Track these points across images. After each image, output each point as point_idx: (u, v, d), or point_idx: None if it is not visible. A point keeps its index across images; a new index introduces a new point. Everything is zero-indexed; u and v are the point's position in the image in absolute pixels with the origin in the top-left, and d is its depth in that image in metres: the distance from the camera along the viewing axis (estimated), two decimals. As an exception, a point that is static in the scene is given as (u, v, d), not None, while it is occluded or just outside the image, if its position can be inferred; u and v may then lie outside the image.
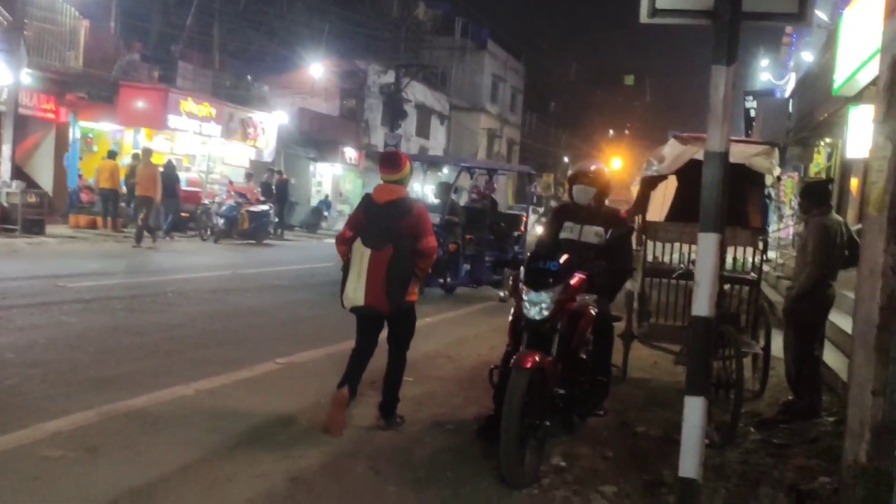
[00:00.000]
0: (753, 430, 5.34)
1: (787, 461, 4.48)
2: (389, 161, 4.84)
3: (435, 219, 10.46)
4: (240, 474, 3.84)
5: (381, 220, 4.64)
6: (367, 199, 4.84)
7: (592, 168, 5.07)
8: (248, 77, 28.26)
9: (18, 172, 17.30)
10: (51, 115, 19.33)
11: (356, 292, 4.58)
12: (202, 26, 26.29)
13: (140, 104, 20.44)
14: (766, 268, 14.54)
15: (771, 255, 16.09)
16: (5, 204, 15.44)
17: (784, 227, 19.03)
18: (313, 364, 6.48)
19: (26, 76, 17.52)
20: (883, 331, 2.80)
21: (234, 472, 3.87)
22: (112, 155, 17.83)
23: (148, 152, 16.90)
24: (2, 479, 3.54)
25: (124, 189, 17.47)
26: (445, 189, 11.71)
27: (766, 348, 6.26)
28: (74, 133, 19.94)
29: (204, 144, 22.72)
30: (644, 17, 3.16)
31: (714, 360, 5.24)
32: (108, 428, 4.36)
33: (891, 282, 2.76)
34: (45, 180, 19.12)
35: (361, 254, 4.58)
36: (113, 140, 20.83)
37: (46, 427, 4.23)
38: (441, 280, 9.89)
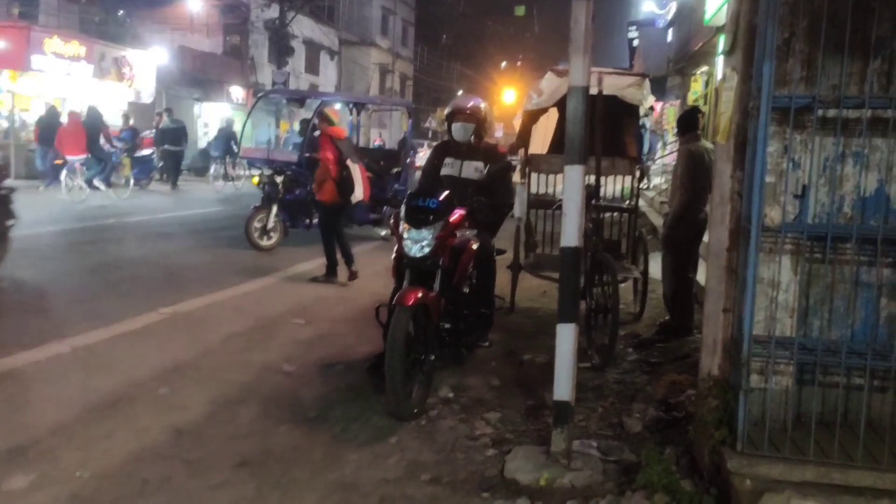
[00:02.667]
0: (632, 351, 5.64)
1: (660, 377, 4.76)
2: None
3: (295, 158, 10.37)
4: (119, 430, 3.75)
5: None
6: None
7: (470, 104, 5.09)
8: (120, 12, 26.49)
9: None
10: None
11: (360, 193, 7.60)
12: (65, -44, 24.32)
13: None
14: (651, 194, 15.21)
15: (656, 181, 16.77)
16: None
17: (668, 153, 19.80)
18: (198, 312, 6.33)
19: None
20: (732, 252, 2.97)
21: (113, 428, 3.77)
22: None
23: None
24: None
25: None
26: (305, 126, 11.56)
27: (645, 272, 6.55)
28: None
29: (75, 86, 21.29)
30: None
31: (594, 287, 5.47)
32: (-27, 393, 4.15)
33: (737, 206, 2.92)
34: None
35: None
36: (-28, 84, 19.23)
37: None
38: (307, 220, 9.81)
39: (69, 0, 24.15)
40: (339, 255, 7.89)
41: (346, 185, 7.75)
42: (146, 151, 18.78)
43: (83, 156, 15.11)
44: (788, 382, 2.95)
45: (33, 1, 22.30)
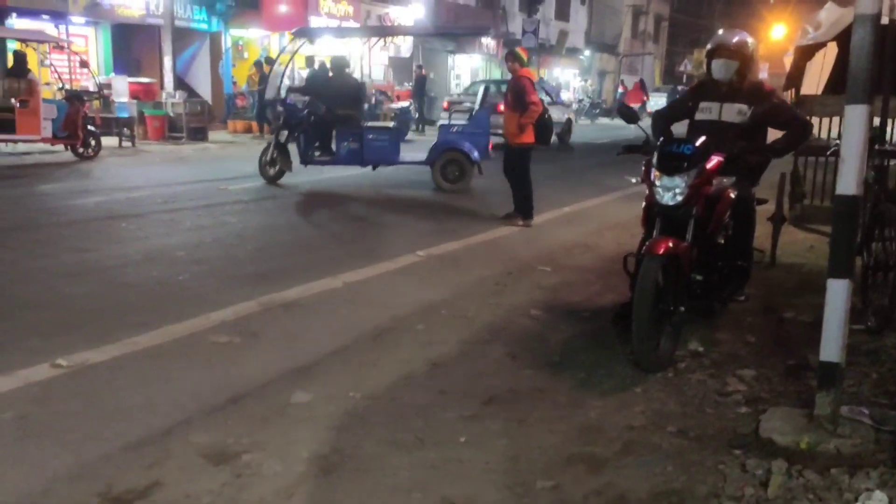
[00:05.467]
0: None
1: (951, 346, 4.19)
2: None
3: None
4: (383, 359, 4.11)
5: None
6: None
7: (735, 39, 4.69)
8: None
9: (180, 82, 18.42)
10: (204, 26, 20.26)
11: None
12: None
13: (283, 8, 20.96)
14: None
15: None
16: (171, 114, 16.58)
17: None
18: (452, 255, 6.69)
19: (179, -12, 18.37)
20: None
21: (378, 357, 4.14)
22: (269, 61, 17.55)
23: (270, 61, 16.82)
24: (179, 362, 3.99)
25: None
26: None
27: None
28: (226, 41, 20.84)
29: (343, 45, 23.03)
30: None
31: (873, 242, 4.91)
32: (267, 317, 4.77)
33: None
34: (204, 89, 20.28)
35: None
36: (261, 45, 21.60)
37: (214, 316, 4.68)
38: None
39: (340, -38, 26.00)
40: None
41: (547, 126, 7.82)
42: (404, 104, 19.91)
43: None
44: None
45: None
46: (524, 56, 8.12)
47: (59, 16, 16.05)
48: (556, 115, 23.10)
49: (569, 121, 19.97)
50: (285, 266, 6.13)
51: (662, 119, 4.90)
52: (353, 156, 10.57)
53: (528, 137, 7.83)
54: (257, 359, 4.07)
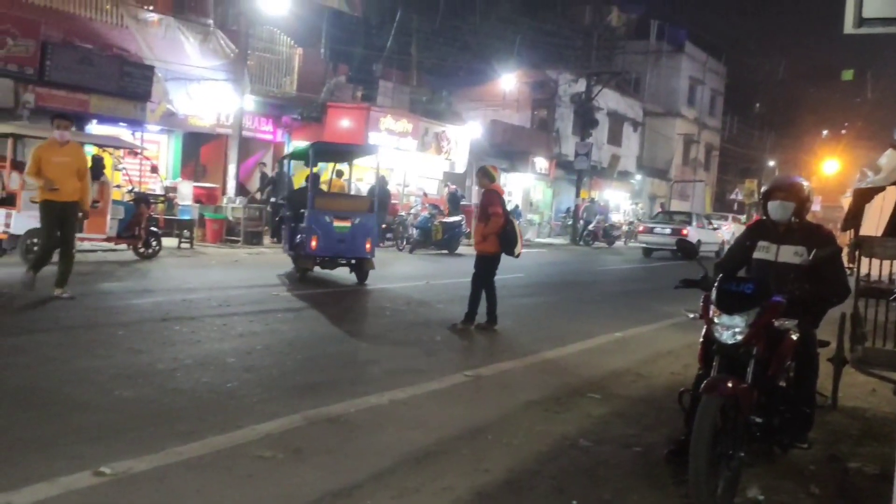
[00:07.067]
0: None
1: None
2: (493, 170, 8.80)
3: None
4: (426, 485, 4.00)
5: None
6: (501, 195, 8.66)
7: (790, 181, 4.75)
8: (444, 92, 29.31)
9: (241, 189, 19.17)
10: (268, 136, 21.28)
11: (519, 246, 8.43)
12: (401, 46, 27.68)
13: (345, 123, 21.95)
14: None
15: None
16: (230, 218, 17.17)
17: None
18: (500, 377, 6.59)
19: (249, 102, 19.41)
20: None
21: (422, 483, 4.03)
22: (339, 174, 17.60)
23: (339, 174, 17.37)
24: (220, 475, 3.94)
25: None
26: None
27: None
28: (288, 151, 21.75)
29: (401, 158, 23.87)
30: (849, 27, 2.90)
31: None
32: (312, 432, 4.72)
33: None
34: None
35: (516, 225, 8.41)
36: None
37: (259, 428, 4.65)
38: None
39: (402, 83, 27.32)
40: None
41: (509, 237, 8.33)
42: (456, 218, 20.30)
43: None
44: None
45: (373, 85, 25.61)
46: (493, 173, 8.78)
47: (136, 123, 17.03)
48: (707, 237, 24.94)
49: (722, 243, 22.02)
50: (333, 379, 6.12)
51: (734, 258, 4.88)
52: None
53: (490, 246, 8.46)
54: (298, 477, 4.00)
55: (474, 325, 8.54)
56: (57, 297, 8.42)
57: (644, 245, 25.41)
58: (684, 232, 23.76)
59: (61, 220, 8.46)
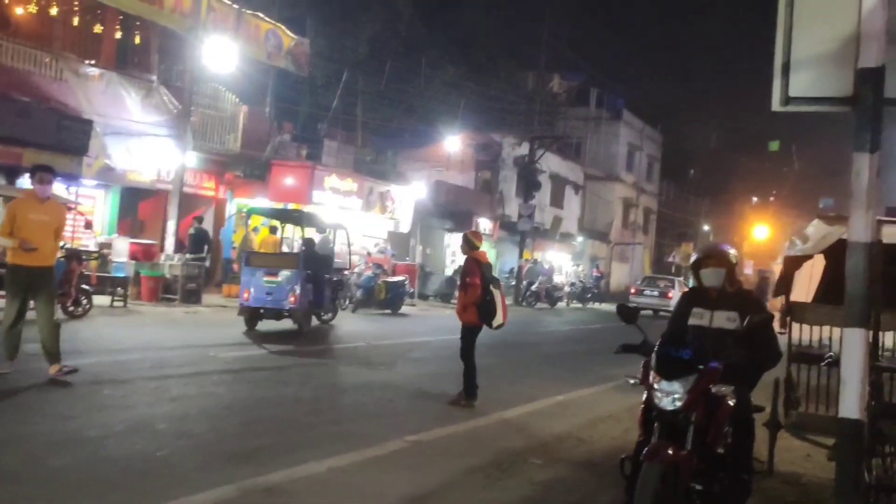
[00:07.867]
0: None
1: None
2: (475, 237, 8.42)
3: None
4: (367, 559, 3.88)
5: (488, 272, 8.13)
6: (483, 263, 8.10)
7: (719, 249, 4.94)
8: (389, 152, 29.58)
9: (181, 245, 18.78)
10: (210, 193, 21.02)
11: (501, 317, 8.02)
12: (346, 106, 27.97)
13: (289, 181, 21.87)
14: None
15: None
16: (168, 275, 16.75)
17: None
18: (441, 441, 6.49)
19: (192, 158, 19.21)
20: None
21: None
22: (273, 230, 17.82)
23: (273, 230, 17.67)
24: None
25: None
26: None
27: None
28: (230, 209, 21.52)
29: (345, 217, 23.83)
30: (776, 105, 3.06)
31: (873, 459, 4.81)
32: (247, 503, 4.55)
33: None
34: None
35: (497, 293, 7.97)
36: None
37: (193, 499, 4.46)
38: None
39: (347, 143, 27.52)
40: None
41: (488, 308, 7.95)
42: (400, 277, 20.27)
43: None
44: None
45: (318, 144, 25.73)
46: (473, 240, 8.34)
47: (71, 178, 16.59)
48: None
49: None
50: (271, 444, 5.94)
51: (675, 325, 4.95)
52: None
53: (470, 317, 8.06)
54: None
55: (450, 402, 8.10)
56: (55, 378, 7.30)
57: (635, 305, 26.27)
58: (669, 295, 28.12)
59: (30, 288, 7.38)
